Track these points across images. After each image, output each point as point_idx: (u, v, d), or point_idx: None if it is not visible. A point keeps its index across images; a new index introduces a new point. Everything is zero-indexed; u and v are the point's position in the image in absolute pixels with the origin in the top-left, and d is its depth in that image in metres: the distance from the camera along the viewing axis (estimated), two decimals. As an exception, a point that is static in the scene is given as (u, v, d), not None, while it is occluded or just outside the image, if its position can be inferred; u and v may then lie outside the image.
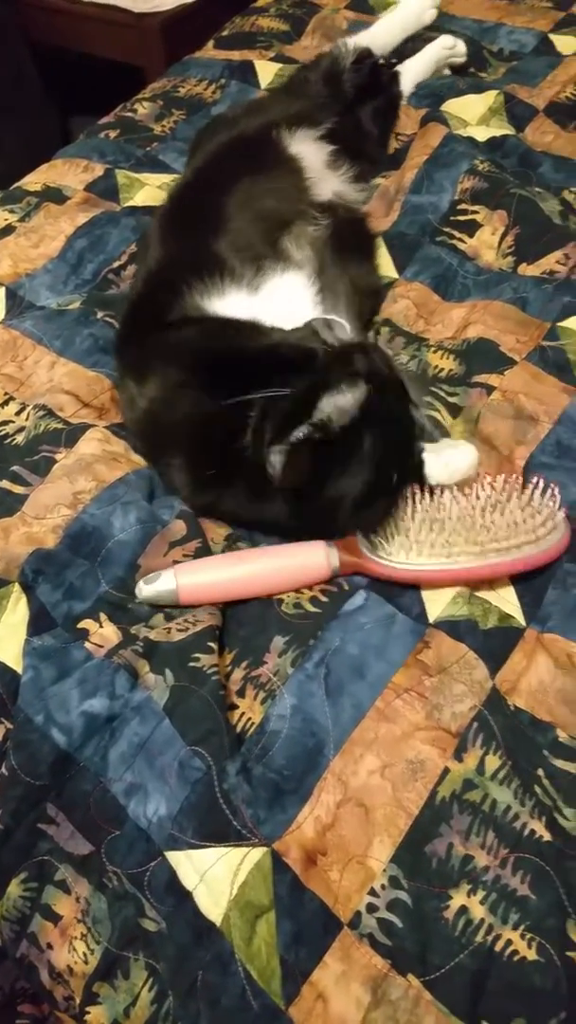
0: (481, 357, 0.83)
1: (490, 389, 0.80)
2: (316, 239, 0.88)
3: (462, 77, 1.21)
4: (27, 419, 0.83)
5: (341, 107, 1.07)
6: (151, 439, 0.79)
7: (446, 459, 0.71)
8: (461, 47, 1.21)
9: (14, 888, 0.60)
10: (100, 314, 0.92)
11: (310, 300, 0.83)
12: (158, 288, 0.84)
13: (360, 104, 1.11)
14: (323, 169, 1.00)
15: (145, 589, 0.67)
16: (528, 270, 0.92)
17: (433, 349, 0.86)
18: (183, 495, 0.75)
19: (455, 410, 0.80)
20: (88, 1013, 0.56)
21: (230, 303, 0.80)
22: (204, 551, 0.69)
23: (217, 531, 0.74)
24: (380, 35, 1.15)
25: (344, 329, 0.76)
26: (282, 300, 0.81)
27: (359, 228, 0.99)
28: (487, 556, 0.64)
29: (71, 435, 0.80)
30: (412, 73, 1.18)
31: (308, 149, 0.99)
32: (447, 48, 1.20)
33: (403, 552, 0.66)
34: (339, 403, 0.65)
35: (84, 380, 0.86)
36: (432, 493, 0.69)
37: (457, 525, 0.65)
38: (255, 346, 0.75)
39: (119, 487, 0.75)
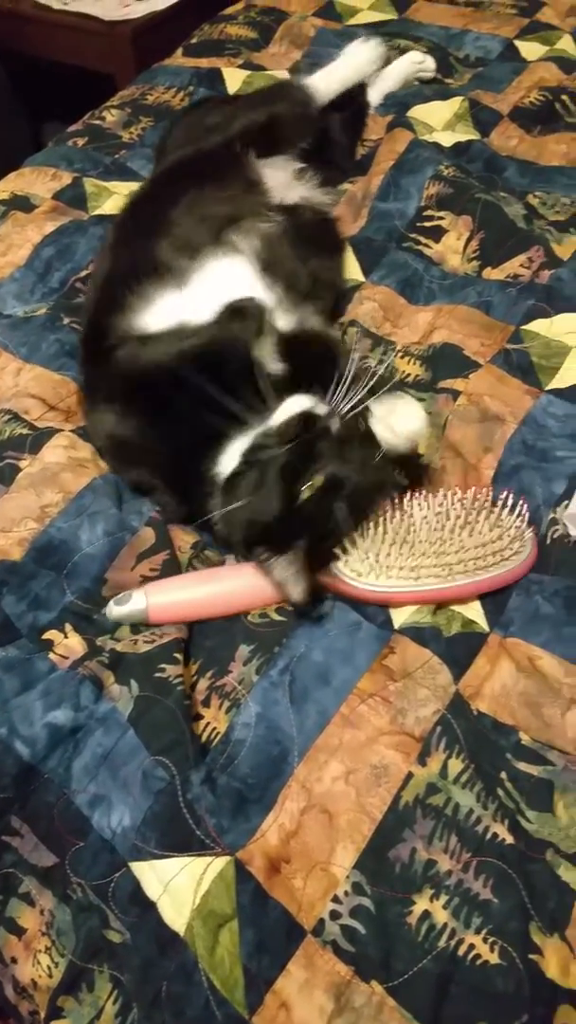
0: (447, 362, 0.84)
1: (456, 394, 0.81)
2: (268, 233, 0.87)
3: (428, 84, 1.21)
4: (-8, 427, 0.83)
5: (315, 125, 1.06)
6: (120, 469, 0.79)
7: (393, 423, 0.68)
8: (430, 63, 1.21)
9: (-22, 903, 0.59)
10: (66, 320, 0.92)
11: (251, 283, 0.81)
12: (102, 304, 0.84)
13: (329, 115, 1.11)
14: (289, 181, 1.00)
15: (115, 610, 0.66)
16: (492, 274, 0.92)
17: (400, 355, 0.86)
18: (169, 518, 0.74)
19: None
20: (52, 1028, 0.56)
21: (158, 311, 0.79)
22: (172, 562, 0.69)
23: (184, 538, 0.73)
24: (320, 84, 1.11)
25: (257, 305, 0.75)
26: (216, 284, 0.79)
27: (325, 227, 0.99)
28: (455, 578, 0.64)
29: (36, 441, 0.80)
30: (381, 85, 1.19)
31: (274, 168, 0.98)
32: (416, 63, 1.20)
33: (373, 574, 0.65)
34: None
35: (50, 383, 0.86)
36: (403, 512, 0.67)
37: (427, 547, 0.65)
38: (174, 357, 0.74)
39: (86, 496, 0.74)
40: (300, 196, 0.99)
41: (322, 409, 0.67)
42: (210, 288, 0.79)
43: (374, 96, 1.18)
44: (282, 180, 0.98)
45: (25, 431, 0.81)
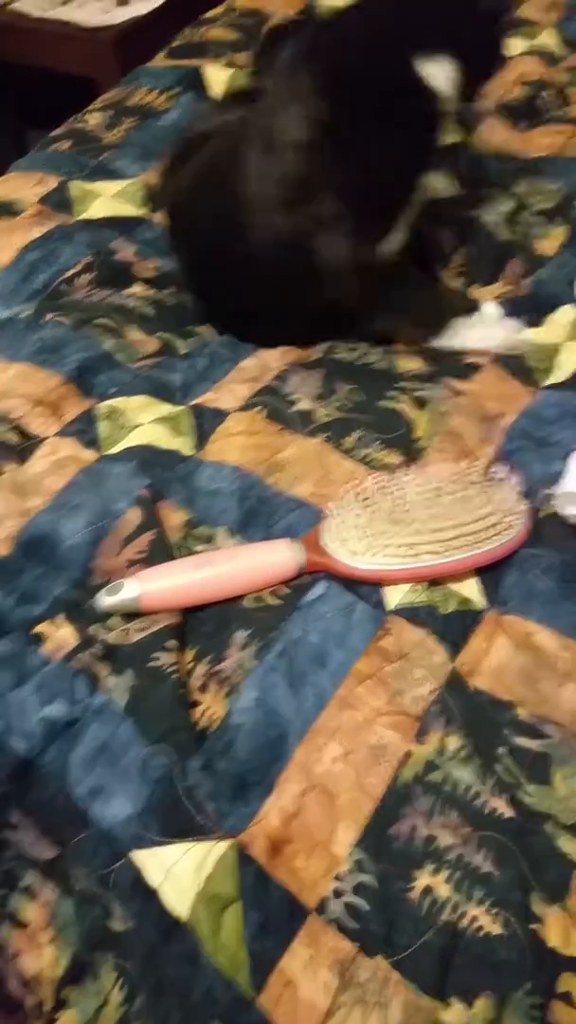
0: (448, 364, 0.85)
1: (457, 392, 0.81)
2: None
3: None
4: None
5: None
6: None
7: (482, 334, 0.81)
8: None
9: (-20, 897, 0.59)
10: (49, 316, 0.92)
11: None
12: None
13: None
14: None
15: (106, 600, 0.65)
16: (483, 294, 0.94)
17: (400, 354, 0.87)
18: None
19: (421, 402, 0.81)
20: (57, 1020, 0.56)
21: None
22: (159, 543, 0.69)
23: (174, 517, 0.72)
24: None
25: None
26: None
27: None
28: (450, 554, 0.65)
29: (24, 452, 0.80)
30: None
31: None
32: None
33: (368, 553, 0.65)
34: None
35: (34, 379, 0.86)
36: (397, 488, 0.68)
37: (421, 526, 0.65)
38: None
39: (68, 491, 0.75)
40: None
41: None
42: None
43: None
44: None
45: (12, 436, 0.81)
